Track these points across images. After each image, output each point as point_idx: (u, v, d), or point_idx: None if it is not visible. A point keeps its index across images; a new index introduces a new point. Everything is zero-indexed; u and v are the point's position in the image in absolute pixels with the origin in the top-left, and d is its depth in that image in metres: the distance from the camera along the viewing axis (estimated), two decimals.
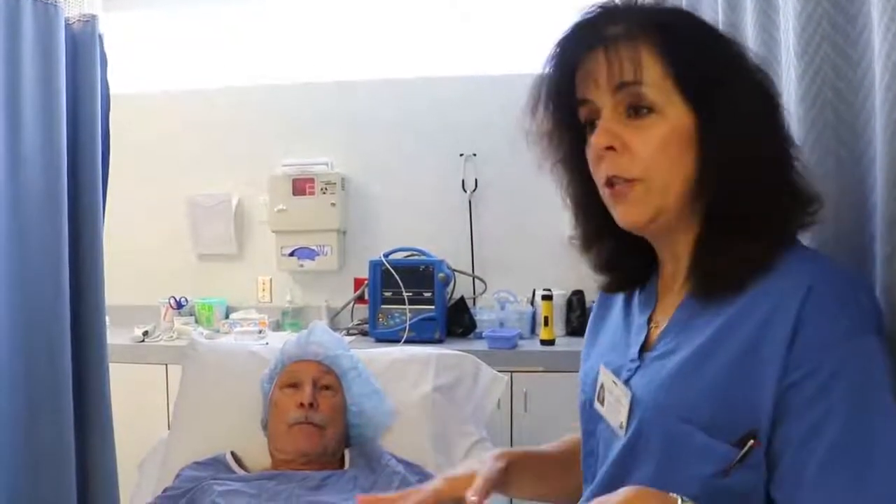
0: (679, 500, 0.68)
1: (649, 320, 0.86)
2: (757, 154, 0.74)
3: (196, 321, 2.82)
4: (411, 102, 2.87)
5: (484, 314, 2.65)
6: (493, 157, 2.76)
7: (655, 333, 0.84)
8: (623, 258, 0.90)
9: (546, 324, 2.45)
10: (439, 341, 2.47)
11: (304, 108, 2.93)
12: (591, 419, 0.90)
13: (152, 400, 2.46)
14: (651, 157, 0.75)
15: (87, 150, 1.91)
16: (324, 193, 2.81)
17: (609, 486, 0.81)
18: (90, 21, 1.92)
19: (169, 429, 1.84)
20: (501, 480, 0.91)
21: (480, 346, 2.42)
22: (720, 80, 0.75)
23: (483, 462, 0.93)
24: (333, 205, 2.81)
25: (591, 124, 0.80)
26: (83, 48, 1.91)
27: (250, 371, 1.75)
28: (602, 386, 0.87)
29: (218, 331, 2.74)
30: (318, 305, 2.86)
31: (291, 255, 2.87)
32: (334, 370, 1.62)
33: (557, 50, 0.81)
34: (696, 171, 0.76)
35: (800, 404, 0.67)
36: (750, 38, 0.99)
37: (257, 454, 1.62)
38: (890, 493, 0.63)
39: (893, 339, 0.71)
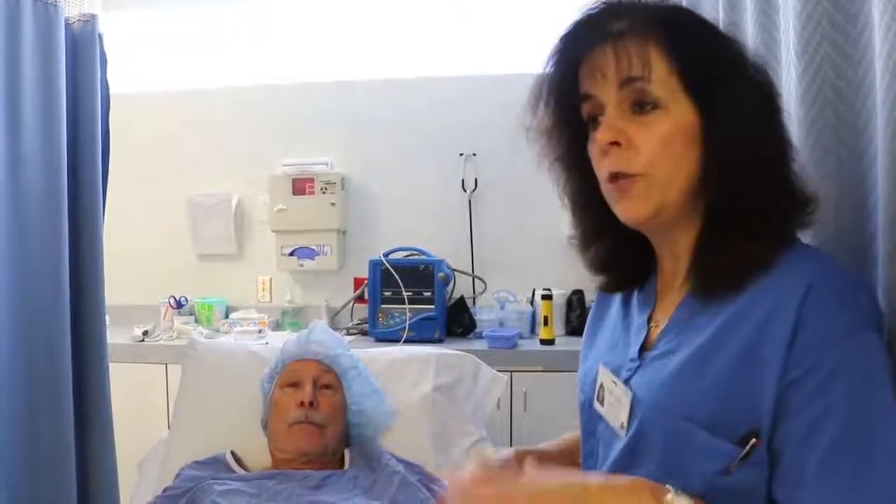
0: (671, 492, 0.69)
1: (649, 320, 0.86)
2: (759, 153, 0.74)
3: (196, 321, 2.82)
4: (411, 102, 2.88)
5: (484, 314, 2.65)
6: (493, 156, 2.77)
7: (655, 333, 0.84)
8: (621, 257, 0.90)
9: (546, 323, 2.45)
10: (439, 341, 2.47)
11: (303, 108, 2.93)
12: (590, 419, 0.90)
13: (152, 399, 2.46)
14: (655, 153, 0.75)
15: (87, 149, 1.91)
16: (324, 193, 2.81)
17: None
18: (90, 21, 1.92)
19: (169, 428, 1.84)
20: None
21: (480, 345, 2.42)
22: (723, 79, 0.75)
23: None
24: (333, 204, 2.81)
25: (594, 121, 0.80)
26: (83, 48, 1.91)
27: (250, 371, 1.75)
28: (601, 386, 0.87)
29: (218, 330, 2.74)
30: (318, 305, 2.86)
31: (291, 254, 2.88)
32: (334, 369, 1.62)
33: (561, 45, 0.81)
34: (698, 168, 0.76)
35: (800, 402, 0.67)
36: (750, 38, 0.99)
37: (257, 454, 1.62)
38: (890, 490, 0.63)
39: (894, 337, 0.71)
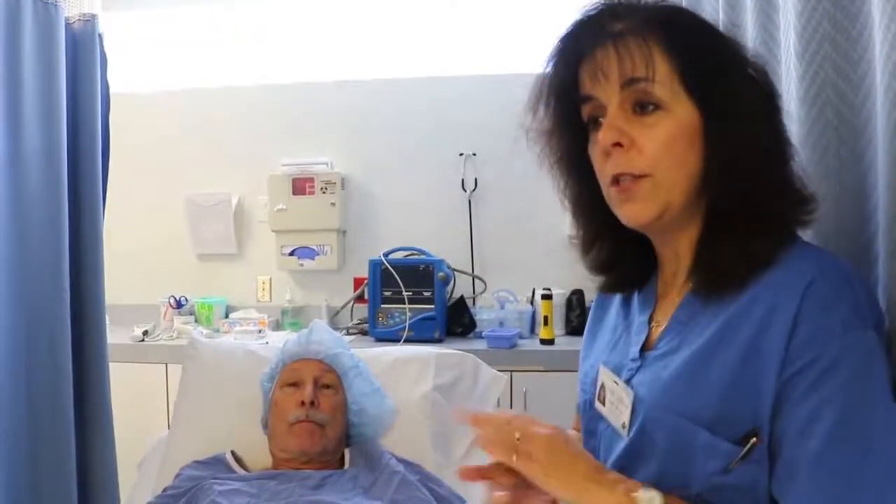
0: (642, 488, 0.70)
1: (650, 320, 0.86)
2: (759, 153, 0.74)
3: (196, 320, 2.82)
4: (411, 102, 2.88)
5: (484, 313, 2.65)
6: (493, 156, 2.77)
7: (656, 332, 0.84)
8: (622, 258, 0.90)
9: (546, 323, 2.45)
10: (439, 341, 2.47)
11: (303, 107, 2.93)
12: (591, 419, 0.90)
13: (152, 399, 2.46)
14: (658, 154, 0.75)
15: (88, 149, 1.91)
16: (323, 193, 2.81)
17: None
18: (90, 21, 1.92)
19: (169, 428, 1.84)
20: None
21: (480, 345, 2.42)
22: (724, 79, 0.75)
23: None
24: (333, 204, 2.81)
25: (594, 122, 0.80)
26: (83, 48, 1.91)
27: (250, 370, 1.75)
28: (602, 386, 0.87)
29: (218, 330, 2.74)
30: (318, 305, 2.86)
31: (291, 254, 2.88)
32: (335, 369, 1.62)
33: (561, 46, 0.81)
34: (700, 168, 0.76)
35: (797, 396, 0.67)
36: (750, 38, 0.99)
37: (257, 453, 1.62)
38: (885, 484, 0.63)
39: (894, 336, 0.71)
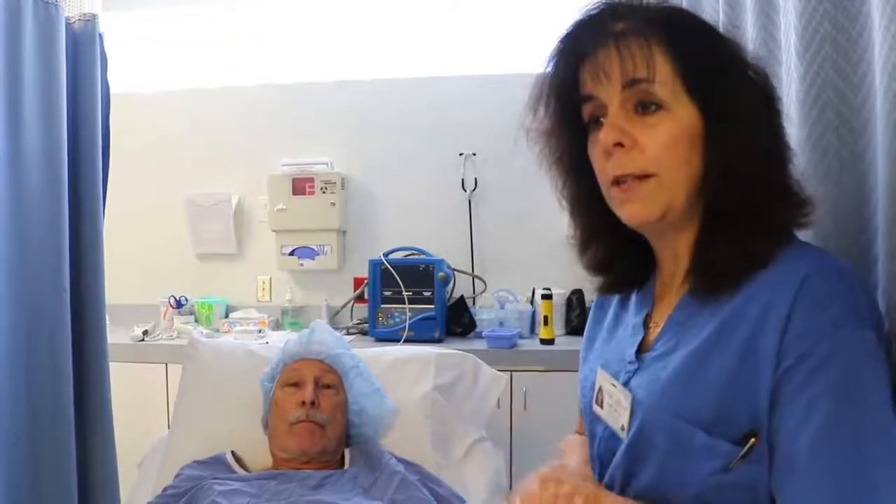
0: None
1: (647, 321, 0.86)
2: (759, 155, 0.74)
3: (196, 320, 2.82)
4: (411, 102, 2.87)
5: (484, 313, 2.65)
6: (493, 156, 2.77)
7: (654, 334, 0.84)
8: (620, 258, 0.90)
9: (546, 323, 2.45)
10: (439, 341, 2.47)
11: (303, 107, 2.93)
12: (592, 422, 0.90)
13: (152, 399, 2.46)
14: (660, 154, 0.75)
15: (88, 149, 1.91)
16: (323, 193, 2.81)
17: (618, 487, 0.81)
18: (90, 21, 1.92)
19: (169, 428, 1.84)
20: None
21: (480, 345, 2.42)
22: (724, 80, 0.75)
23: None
24: (333, 204, 2.81)
25: (595, 122, 0.80)
26: (83, 48, 1.91)
27: (250, 370, 1.75)
28: (600, 389, 0.88)
29: (218, 330, 2.74)
30: (318, 305, 2.85)
31: (291, 254, 2.88)
32: (336, 369, 1.63)
33: (561, 46, 0.81)
34: (700, 169, 0.76)
35: (790, 392, 0.67)
36: (750, 39, 0.99)
37: (257, 453, 1.63)
38: (878, 479, 0.63)
39: (894, 336, 0.71)
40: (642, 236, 0.85)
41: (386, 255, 2.61)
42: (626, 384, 0.82)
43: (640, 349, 0.84)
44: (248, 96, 2.96)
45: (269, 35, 2.92)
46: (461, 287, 2.73)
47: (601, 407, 0.87)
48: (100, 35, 1.94)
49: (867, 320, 0.68)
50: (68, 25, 1.88)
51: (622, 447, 0.81)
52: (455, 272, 2.71)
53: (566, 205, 0.90)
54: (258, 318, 2.72)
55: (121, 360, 2.23)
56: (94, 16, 1.92)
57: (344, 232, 2.92)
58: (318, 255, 2.86)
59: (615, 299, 0.95)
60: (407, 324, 2.49)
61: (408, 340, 2.43)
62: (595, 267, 0.92)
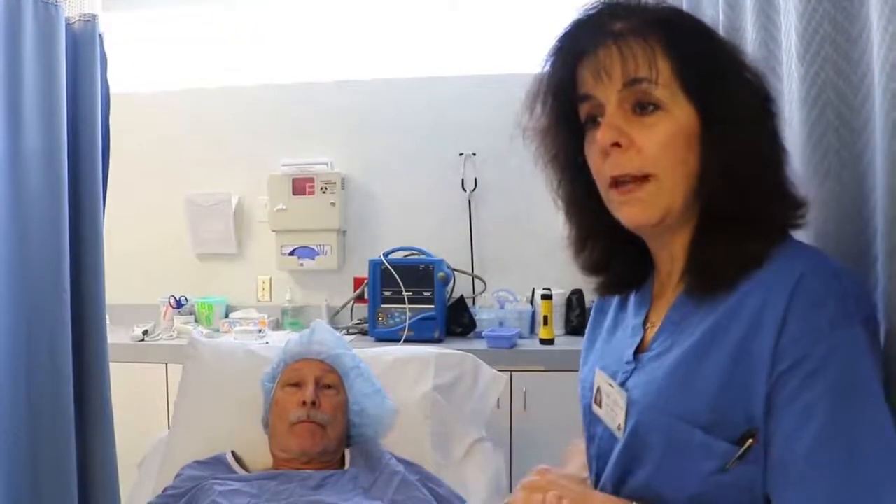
0: None
1: (645, 321, 0.86)
2: (756, 157, 0.75)
3: (196, 320, 2.82)
4: (411, 102, 2.87)
5: (483, 313, 2.65)
6: (493, 156, 2.77)
7: (651, 334, 0.84)
8: (615, 259, 0.90)
9: (545, 323, 2.45)
10: (439, 341, 2.48)
11: (303, 107, 2.93)
12: (591, 422, 0.91)
13: (152, 399, 2.46)
14: (658, 154, 0.75)
15: (88, 149, 1.91)
16: (323, 193, 2.81)
17: (613, 486, 0.81)
18: (91, 21, 1.92)
19: (169, 428, 1.84)
20: None
21: (480, 345, 2.42)
22: (722, 81, 0.75)
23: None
24: (333, 204, 2.81)
25: (593, 121, 0.80)
26: (83, 48, 1.91)
27: (250, 370, 1.75)
28: (598, 389, 0.88)
29: (218, 330, 2.74)
30: (318, 305, 2.85)
31: (291, 254, 2.88)
32: (337, 369, 1.63)
33: (559, 45, 0.81)
34: (698, 169, 0.76)
35: (786, 396, 0.67)
36: (751, 40, 0.99)
37: (258, 453, 1.63)
38: (874, 484, 0.63)
39: (894, 335, 0.71)
40: (639, 237, 0.85)
41: (386, 255, 2.62)
42: (623, 384, 0.83)
43: (638, 350, 0.85)
44: (248, 96, 2.96)
45: (269, 35, 2.92)
46: (461, 287, 2.73)
47: (600, 407, 0.87)
48: (100, 35, 1.94)
49: (856, 315, 0.67)
50: (68, 26, 1.88)
51: (618, 447, 0.81)
52: (455, 272, 2.71)
53: (561, 204, 0.90)
54: (258, 318, 2.72)
55: (121, 361, 2.23)
56: (94, 16, 1.93)
57: (344, 232, 2.92)
58: (318, 255, 2.86)
59: (615, 301, 0.95)
60: (407, 324, 2.50)
61: (408, 340, 2.43)
62: (591, 268, 0.92)
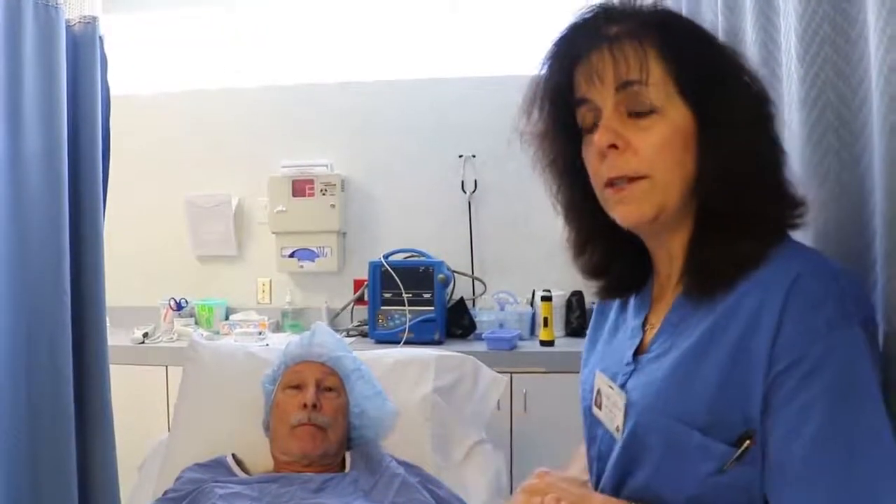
0: None
1: (644, 323, 0.87)
2: (753, 156, 0.75)
3: (196, 322, 2.82)
4: (411, 103, 2.88)
5: (483, 315, 2.65)
6: (493, 158, 2.77)
7: (650, 336, 0.84)
8: (615, 262, 0.90)
9: (545, 325, 2.45)
10: (439, 342, 2.47)
11: (303, 109, 2.93)
12: (592, 424, 0.91)
13: (152, 402, 2.46)
14: (653, 156, 0.75)
15: (88, 151, 1.91)
16: (323, 195, 2.81)
17: (613, 488, 0.81)
18: (91, 23, 1.92)
19: (169, 430, 1.84)
20: None
21: (480, 347, 2.42)
22: (718, 83, 0.76)
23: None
24: (333, 206, 2.81)
25: (590, 125, 0.80)
26: (84, 50, 1.91)
27: (251, 372, 1.75)
28: (598, 391, 0.88)
29: (218, 332, 2.74)
30: (318, 307, 2.85)
31: (291, 256, 2.88)
32: (337, 372, 1.63)
33: (555, 49, 0.81)
34: (694, 170, 0.76)
35: (783, 397, 0.67)
36: (750, 41, 0.99)
37: (258, 456, 1.62)
38: (872, 484, 0.63)
39: (893, 334, 0.71)
40: (638, 239, 0.85)
41: (386, 256, 2.62)
42: (622, 386, 0.83)
43: (638, 351, 0.85)
44: (249, 98, 2.96)
45: (269, 37, 2.92)
46: (461, 289, 2.74)
47: (600, 409, 0.87)
48: (100, 37, 1.94)
49: (854, 316, 0.67)
50: (68, 28, 1.89)
51: (617, 448, 0.81)
52: (455, 274, 2.71)
53: (560, 209, 0.90)
54: (258, 320, 2.73)
55: (121, 363, 2.23)
56: (94, 18, 1.93)
57: (344, 234, 2.92)
58: (318, 256, 2.86)
59: (616, 304, 0.96)
60: (407, 326, 2.50)
61: (408, 342, 2.43)
62: (591, 271, 0.92)
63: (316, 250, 2.86)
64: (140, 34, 2.92)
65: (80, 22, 1.91)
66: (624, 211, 0.78)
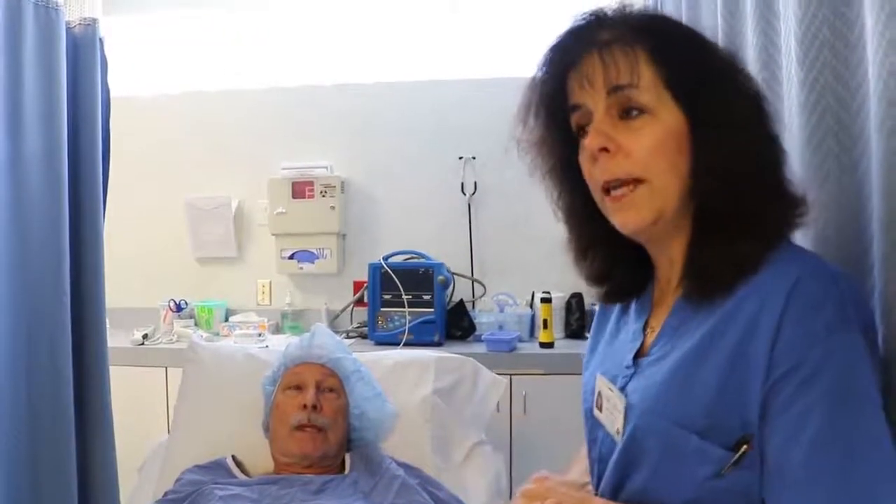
0: None
1: (645, 326, 0.87)
2: (749, 156, 0.75)
3: (196, 324, 2.82)
4: (411, 105, 2.88)
5: (483, 317, 2.65)
6: (492, 160, 2.77)
7: (651, 339, 0.84)
8: (617, 267, 0.90)
9: (545, 326, 2.45)
10: (438, 344, 2.48)
11: (303, 111, 2.94)
12: (593, 426, 0.91)
13: (152, 403, 2.45)
14: (647, 158, 0.76)
15: (88, 152, 1.91)
16: (323, 196, 2.82)
17: (612, 490, 0.81)
18: (91, 25, 1.92)
19: (169, 432, 1.84)
20: None
21: (480, 348, 2.42)
22: (711, 85, 0.76)
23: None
24: (333, 208, 2.81)
25: (583, 130, 0.80)
26: (84, 51, 1.91)
27: (250, 374, 1.75)
28: (599, 393, 0.88)
29: (218, 334, 2.74)
30: (318, 308, 2.86)
31: (291, 257, 2.88)
32: (337, 373, 1.63)
33: (549, 56, 0.82)
34: (689, 172, 0.76)
35: (782, 402, 0.67)
36: (750, 45, 1.00)
37: (258, 457, 1.62)
38: (872, 490, 0.64)
39: (892, 336, 0.72)
40: (639, 244, 0.85)
41: (385, 258, 2.62)
42: (623, 389, 0.83)
43: (638, 354, 0.85)
44: (249, 100, 2.96)
45: (269, 38, 2.93)
46: (461, 291, 2.74)
47: (600, 411, 0.88)
48: (100, 39, 1.95)
49: (854, 322, 0.67)
50: (69, 29, 1.89)
51: (616, 451, 0.81)
52: (454, 276, 2.71)
53: (561, 215, 0.91)
54: (258, 321, 2.73)
55: (121, 364, 2.22)
56: (94, 20, 1.93)
57: (344, 235, 2.92)
58: (317, 258, 2.86)
59: (617, 306, 0.96)
60: (406, 327, 2.50)
61: (407, 344, 2.43)
62: (593, 277, 0.92)
63: (316, 252, 2.86)
64: (140, 36, 2.92)
65: (80, 24, 1.92)
66: (623, 217, 0.79)
